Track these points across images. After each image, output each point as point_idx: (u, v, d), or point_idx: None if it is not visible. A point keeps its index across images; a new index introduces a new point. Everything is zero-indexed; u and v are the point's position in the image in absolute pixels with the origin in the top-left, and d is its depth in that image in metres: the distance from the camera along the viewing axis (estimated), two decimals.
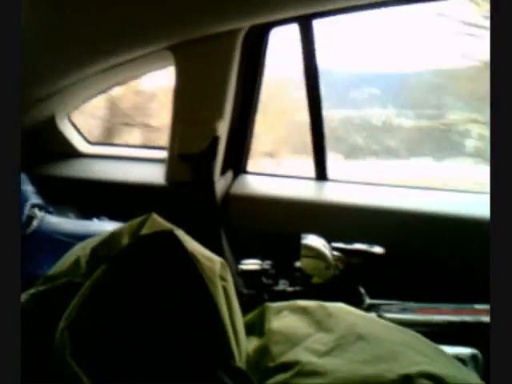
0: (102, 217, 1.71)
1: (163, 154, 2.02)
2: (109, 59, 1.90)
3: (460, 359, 1.00)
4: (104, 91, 2.30)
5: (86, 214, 1.77)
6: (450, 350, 1.02)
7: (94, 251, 0.99)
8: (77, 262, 0.98)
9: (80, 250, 1.02)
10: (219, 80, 1.81)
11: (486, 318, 1.34)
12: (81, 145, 2.29)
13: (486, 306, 1.37)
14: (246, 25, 1.76)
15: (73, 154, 2.22)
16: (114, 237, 1.02)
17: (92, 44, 1.78)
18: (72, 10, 1.60)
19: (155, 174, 2.01)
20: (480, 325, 1.33)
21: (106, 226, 1.54)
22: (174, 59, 1.82)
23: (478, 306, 1.38)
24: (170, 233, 0.85)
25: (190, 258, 0.83)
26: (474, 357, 1.09)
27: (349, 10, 1.82)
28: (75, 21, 1.65)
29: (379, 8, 1.83)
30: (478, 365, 1.06)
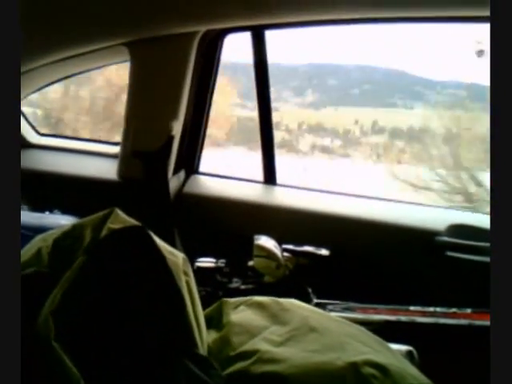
0: (55, 210, 1.71)
1: (115, 149, 2.03)
2: (62, 51, 1.89)
3: None
4: (56, 82, 2.28)
5: (37, 207, 1.75)
6: None
7: (57, 243, 1.02)
8: (39, 253, 0.99)
9: (41, 242, 1.03)
10: (174, 80, 1.84)
11: (420, 319, 1.46)
12: (30, 135, 2.25)
13: (420, 308, 1.49)
14: (201, 29, 1.81)
15: (22, 144, 2.18)
16: (76, 230, 1.04)
17: (47, 35, 1.77)
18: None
19: (107, 169, 2.01)
20: (414, 324, 1.46)
21: (60, 220, 1.55)
22: (129, 55, 1.84)
23: (412, 308, 1.50)
24: (142, 228, 0.90)
25: (160, 253, 0.88)
26: (409, 353, 1.18)
27: (301, 24, 1.91)
28: (32, 10, 1.63)
29: (328, 25, 1.94)
30: (414, 360, 1.16)
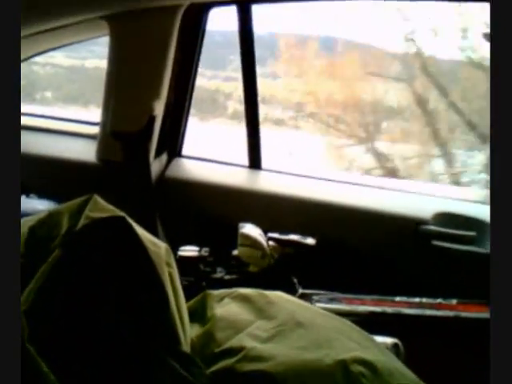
0: (31, 195, 1.64)
1: (94, 130, 1.95)
2: (39, 24, 1.79)
3: None
4: (35, 56, 2.18)
5: None
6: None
7: (32, 231, 0.97)
8: None
9: None
10: (156, 57, 1.77)
11: (406, 310, 1.44)
12: None
13: (406, 299, 1.47)
14: (184, 2, 1.73)
15: None
16: (52, 217, 0.99)
17: (23, 7, 1.68)
18: None
19: (86, 151, 1.94)
20: (400, 316, 1.44)
21: (37, 205, 1.49)
22: (109, 30, 1.76)
23: (398, 299, 1.48)
24: (123, 218, 0.85)
25: (141, 245, 0.83)
26: (395, 345, 1.17)
27: None
28: None
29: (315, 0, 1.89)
30: (399, 353, 1.14)
